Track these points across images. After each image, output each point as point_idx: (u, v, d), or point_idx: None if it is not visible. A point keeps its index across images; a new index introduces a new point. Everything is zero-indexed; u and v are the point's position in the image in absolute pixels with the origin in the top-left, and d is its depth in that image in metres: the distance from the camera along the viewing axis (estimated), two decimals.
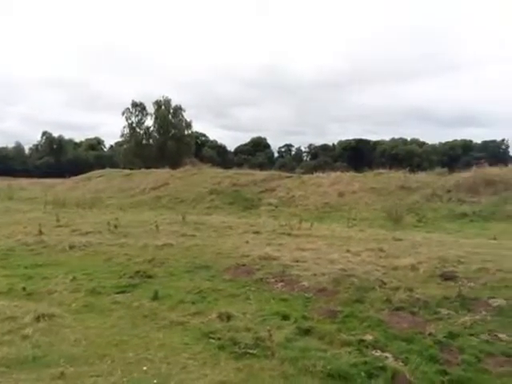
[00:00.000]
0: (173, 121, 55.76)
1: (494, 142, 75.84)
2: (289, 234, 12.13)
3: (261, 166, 37.29)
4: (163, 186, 26.13)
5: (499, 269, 7.59)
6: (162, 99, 55.41)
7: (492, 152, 67.90)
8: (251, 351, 4.57)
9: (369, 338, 4.93)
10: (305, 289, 6.81)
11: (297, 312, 5.80)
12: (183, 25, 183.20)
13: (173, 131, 55.42)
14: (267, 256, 8.67)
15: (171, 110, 55.81)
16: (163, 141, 54.47)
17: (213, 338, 4.96)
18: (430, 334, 5.07)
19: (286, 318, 5.60)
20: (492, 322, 5.46)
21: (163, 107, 55.35)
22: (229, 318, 5.56)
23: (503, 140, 75.77)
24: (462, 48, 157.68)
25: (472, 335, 5.06)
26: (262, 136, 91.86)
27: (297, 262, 8.29)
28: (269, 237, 11.70)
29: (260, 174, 25.56)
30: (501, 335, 5.04)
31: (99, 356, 4.53)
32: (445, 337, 4.98)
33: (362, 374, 4.12)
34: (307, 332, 5.13)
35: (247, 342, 4.73)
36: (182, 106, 56.25)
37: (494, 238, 12.40)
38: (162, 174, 29.00)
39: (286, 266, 8.01)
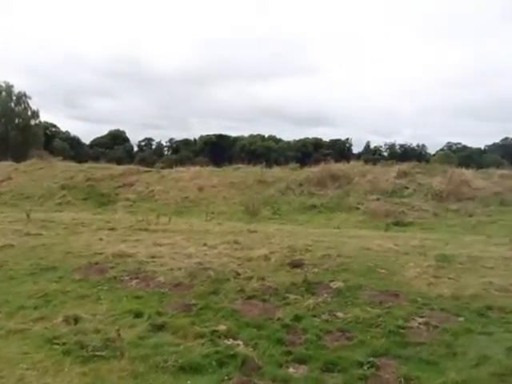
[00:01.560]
0: (16, 109, 49.45)
1: (340, 140, 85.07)
2: (146, 230, 11.75)
3: (119, 160, 35.48)
4: (5, 180, 22.97)
5: (339, 254, 8.46)
6: (2, 84, 48.75)
7: (338, 149, 76.17)
8: (99, 353, 4.34)
9: (222, 327, 5.04)
10: (160, 284, 6.66)
11: (151, 308, 5.64)
12: (27, 4, 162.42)
13: (16, 120, 49.18)
14: (122, 253, 8.26)
15: (14, 97, 49.43)
16: (5, 131, 47.96)
17: (57, 344, 4.58)
18: (278, 319, 5.41)
19: (139, 315, 5.41)
20: (332, 302, 6.06)
21: (4, 93, 48.71)
22: (76, 320, 5.20)
23: (347, 139, 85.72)
24: (315, 52, 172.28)
25: (315, 316, 5.54)
26: (121, 129, 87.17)
27: (153, 257, 8.07)
28: (125, 233, 11.16)
29: (117, 169, 24.24)
30: (338, 314, 5.63)
31: None
32: (291, 320, 5.36)
33: (213, 363, 4.19)
34: (161, 328, 5.04)
35: (95, 345, 4.48)
36: (27, 93, 50.29)
37: (338, 227, 13.90)
38: (4, 167, 25.45)
39: (142, 262, 7.74)
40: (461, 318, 5.45)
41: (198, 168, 23.96)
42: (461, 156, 56.21)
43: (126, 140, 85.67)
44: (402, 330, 5.06)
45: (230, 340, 4.78)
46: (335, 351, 4.57)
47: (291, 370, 4.23)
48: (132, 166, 25.83)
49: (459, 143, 73.16)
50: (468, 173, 19.67)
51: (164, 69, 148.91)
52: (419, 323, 5.30)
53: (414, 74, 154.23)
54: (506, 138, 70.42)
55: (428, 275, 7.11)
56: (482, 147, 71.32)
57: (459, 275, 7.16)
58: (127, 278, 7.00)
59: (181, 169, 24.09)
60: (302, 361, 4.39)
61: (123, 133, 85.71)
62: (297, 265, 7.72)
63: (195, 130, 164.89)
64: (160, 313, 5.52)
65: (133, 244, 9.44)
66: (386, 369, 4.19)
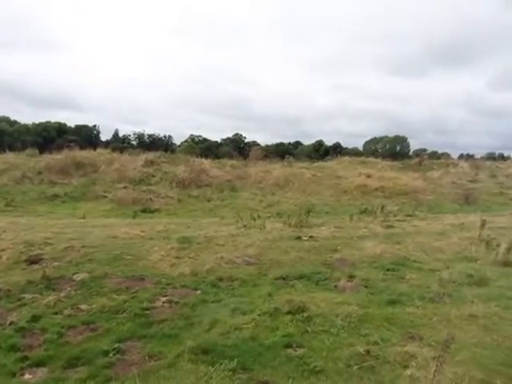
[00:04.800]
0: None
1: (86, 126, 80.00)
2: None
3: None
4: None
5: (84, 245, 8.16)
6: None
7: (85, 136, 71.56)
8: None
9: None
10: None
11: None
12: None
13: None
14: None
15: None
16: None
17: None
18: (11, 323, 4.83)
19: None
20: (76, 295, 5.81)
21: None
22: None
23: (95, 126, 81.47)
24: (62, 27, 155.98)
25: (56, 313, 5.20)
26: None
27: None
28: None
29: None
30: (82, 306, 5.43)
31: None
32: (28, 322, 4.88)
33: None
34: None
35: None
36: None
37: (83, 217, 13.25)
38: None
39: None
40: (198, 291, 6.13)
41: None
42: (202, 147, 61.66)
43: None
44: (146, 312, 5.31)
45: None
46: (79, 345, 4.41)
47: (27, 376, 3.86)
48: None
49: (200, 136, 79.94)
50: (206, 163, 21.98)
51: None
52: (163, 302, 5.67)
53: (163, 69, 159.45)
54: (237, 134, 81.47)
55: (171, 257, 7.67)
56: (219, 140, 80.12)
57: (198, 254, 8.00)
58: None
59: None
60: (40, 363, 4.05)
61: None
62: (34, 261, 7.04)
63: None
64: None
65: None
66: (132, 351, 4.32)
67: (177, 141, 78.54)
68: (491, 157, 44.85)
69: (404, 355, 4.04)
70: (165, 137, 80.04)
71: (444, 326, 4.75)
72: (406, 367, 3.82)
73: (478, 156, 41.37)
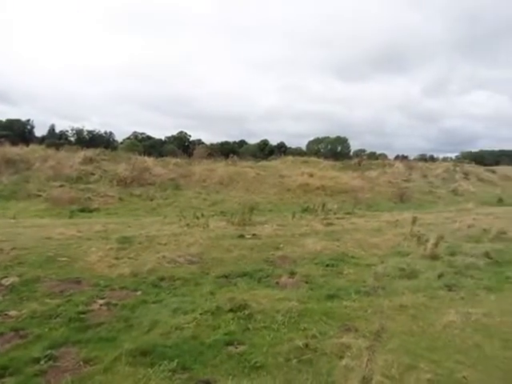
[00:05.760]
0: None
1: (19, 121, 74.98)
2: None
3: None
4: None
5: (14, 247, 7.68)
6: None
7: (17, 131, 67.09)
8: None
9: None
10: None
11: None
12: None
13: None
14: None
15: None
16: None
17: None
18: None
19: None
20: (4, 301, 5.45)
21: None
22: None
23: (28, 120, 76.49)
24: None
25: None
26: None
27: None
28: None
29: None
30: (11, 312, 5.10)
31: None
32: None
33: None
34: None
35: None
36: None
37: (14, 218, 12.44)
38: None
39: None
40: (138, 292, 5.98)
41: None
42: (145, 145, 60.08)
43: None
44: (82, 315, 5.09)
45: None
46: (7, 354, 4.14)
47: None
48: None
49: (144, 133, 77.68)
50: (149, 160, 21.44)
51: None
52: (100, 305, 5.47)
53: (106, 63, 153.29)
54: (181, 132, 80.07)
55: (110, 257, 7.41)
56: (163, 138, 78.34)
57: (138, 254, 7.81)
58: None
59: None
60: None
61: None
62: None
63: None
64: None
65: None
66: (66, 357, 4.13)
67: (119, 138, 75.83)
68: (423, 158, 47.76)
69: (340, 346, 4.21)
70: (106, 133, 77.01)
71: (377, 317, 5.00)
72: (341, 358, 3.99)
73: (411, 157, 43.92)
